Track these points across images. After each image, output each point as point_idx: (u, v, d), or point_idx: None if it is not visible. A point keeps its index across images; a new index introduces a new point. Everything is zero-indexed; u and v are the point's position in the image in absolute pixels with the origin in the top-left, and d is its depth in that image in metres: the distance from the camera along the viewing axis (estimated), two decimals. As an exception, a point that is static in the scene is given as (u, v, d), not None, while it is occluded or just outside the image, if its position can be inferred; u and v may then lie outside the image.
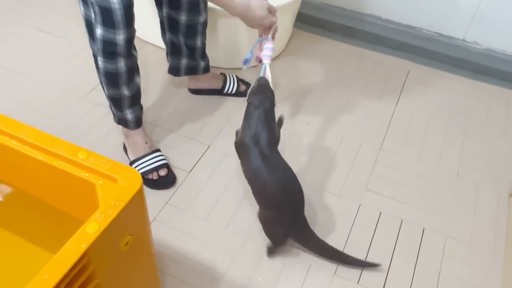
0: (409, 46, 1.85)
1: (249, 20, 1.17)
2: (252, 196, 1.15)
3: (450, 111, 1.64)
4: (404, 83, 1.73)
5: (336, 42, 1.87)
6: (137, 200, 0.72)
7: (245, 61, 1.23)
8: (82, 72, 1.68)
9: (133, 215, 0.73)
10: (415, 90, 1.71)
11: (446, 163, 1.46)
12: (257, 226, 1.23)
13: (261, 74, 1.17)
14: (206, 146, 1.46)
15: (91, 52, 1.22)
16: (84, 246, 0.64)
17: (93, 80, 1.59)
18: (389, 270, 1.18)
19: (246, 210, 1.28)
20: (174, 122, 1.52)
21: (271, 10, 1.20)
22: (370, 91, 1.68)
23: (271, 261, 1.18)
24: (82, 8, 1.15)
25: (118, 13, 1.08)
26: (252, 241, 1.22)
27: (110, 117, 1.49)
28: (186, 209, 1.28)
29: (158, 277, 1.00)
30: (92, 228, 0.66)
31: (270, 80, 1.17)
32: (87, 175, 0.73)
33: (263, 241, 1.21)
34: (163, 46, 1.50)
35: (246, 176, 1.14)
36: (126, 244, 0.73)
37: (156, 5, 1.37)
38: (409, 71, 1.78)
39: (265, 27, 1.20)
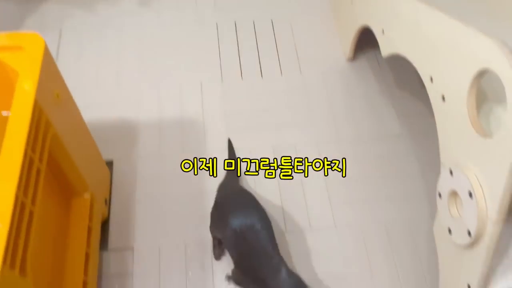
0: None
1: None
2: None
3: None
4: None
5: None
6: (48, 57, 0.81)
7: None
8: None
9: (50, 70, 0.82)
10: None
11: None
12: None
13: None
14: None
15: None
16: (30, 100, 0.72)
17: None
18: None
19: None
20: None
21: None
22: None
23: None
24: None
25: None
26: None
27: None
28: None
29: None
30: (28, 85, 0.74)
31: None
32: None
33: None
34: None
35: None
36: (57, 96, 0.83)
37: None
38: None
39: None
